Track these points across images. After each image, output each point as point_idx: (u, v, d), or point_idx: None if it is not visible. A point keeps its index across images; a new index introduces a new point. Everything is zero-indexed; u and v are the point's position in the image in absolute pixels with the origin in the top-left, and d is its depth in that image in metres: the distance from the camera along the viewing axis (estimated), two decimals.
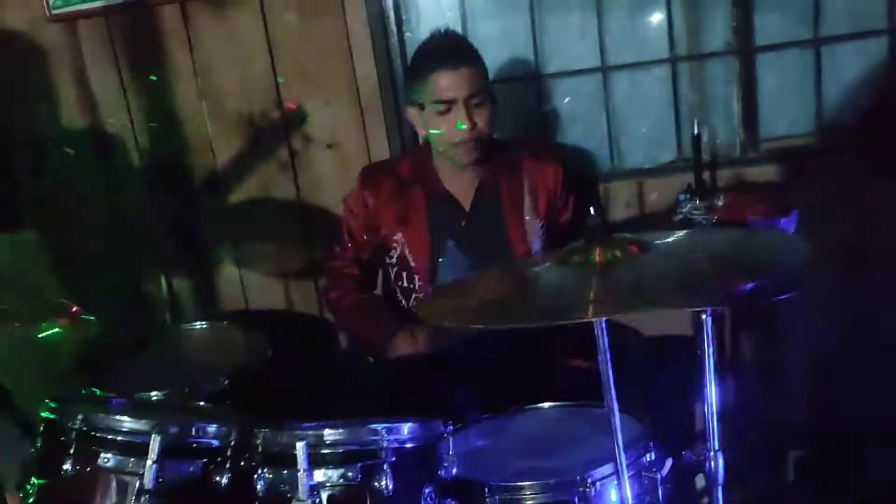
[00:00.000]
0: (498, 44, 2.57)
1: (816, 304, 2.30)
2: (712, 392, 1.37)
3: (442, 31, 2.13)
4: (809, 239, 1.41)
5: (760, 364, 2.53)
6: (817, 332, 2.44)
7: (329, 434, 1.34)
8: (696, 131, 2.15)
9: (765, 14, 2.48)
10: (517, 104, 2.62)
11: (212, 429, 1.43)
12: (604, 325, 1.30)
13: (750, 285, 1.17)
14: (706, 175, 2.47)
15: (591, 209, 1.36)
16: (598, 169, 2.62)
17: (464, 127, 2.00)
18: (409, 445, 1.38)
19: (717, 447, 1.38)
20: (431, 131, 2.06)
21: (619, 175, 2.59)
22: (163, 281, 2.72)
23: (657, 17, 2.51)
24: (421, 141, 2.26)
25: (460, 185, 2.16)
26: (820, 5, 2.43)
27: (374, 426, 1.36)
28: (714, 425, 1.38)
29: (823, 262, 1.38)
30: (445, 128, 2.03)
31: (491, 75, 2.18)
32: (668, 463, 1.51)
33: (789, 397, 2.53)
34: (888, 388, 2.30)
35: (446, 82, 2.00)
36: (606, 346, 1.30)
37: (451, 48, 2.07)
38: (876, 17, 2.43)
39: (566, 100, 2.62)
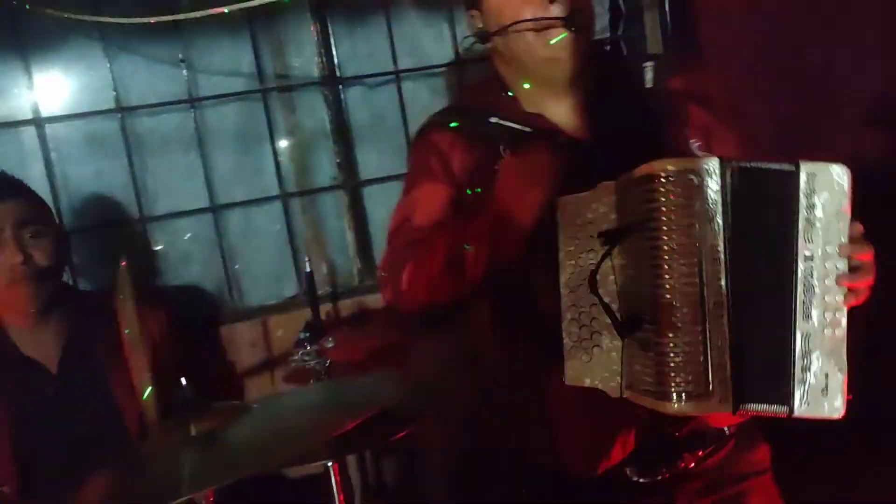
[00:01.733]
0: (94, 187, 2.37)
1: None
2: None
3: None
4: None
5: None
6: None
7: None
8: (308, 269, 2.15)
9: (365, 151, 2.63)
10: (124, 248, 2.41)
11: None
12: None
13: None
14: (329, 307, 2.51)
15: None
16: (220, 309, 2.50)
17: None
18: None
19: None
20: None
21: (241, 315, 2.49)
22: None
23: (264, 155, 2.53)
24: None
25: (40, 345, 1.86)
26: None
27: None
28: None
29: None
30: None
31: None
32: None
33: None
34: None
35: None
36: None
37: None
38: None
39: (187, 236, 2.49)
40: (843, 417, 1.12)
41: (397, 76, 2.61)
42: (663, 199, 1.08)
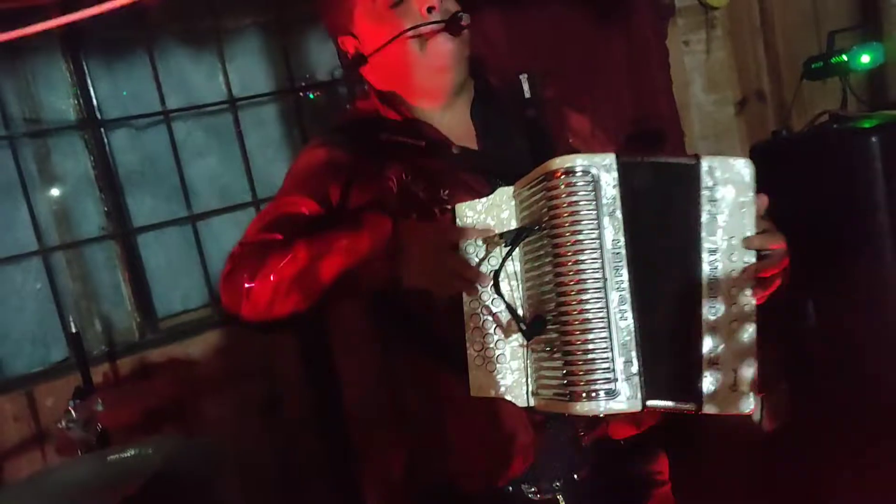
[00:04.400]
0: None
1: None
2: None
3: None
4: None
5: None
6: None
7: None
8: (74, 329, 1.96)
9: (136, 196, 2.46)
10: None
11: None
12: None
13: None
14: (107, 367, 2.30)
15: None
16: None
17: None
18: None
19: None
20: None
21: (2, 387, 2.22)
22: None
23: (19, 207, 2.29)
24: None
25: None
26: (188, 185, 2.51)
27: None
28: None
29: None
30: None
31: None
32: None
33: None
34: None
35: None
36: None
37: None
38: (241, 191, 2.61)
39: None
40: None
41: (166, 116, 2.48)
42: (563, 196, 1.07)
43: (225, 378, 2.39)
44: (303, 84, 2.72)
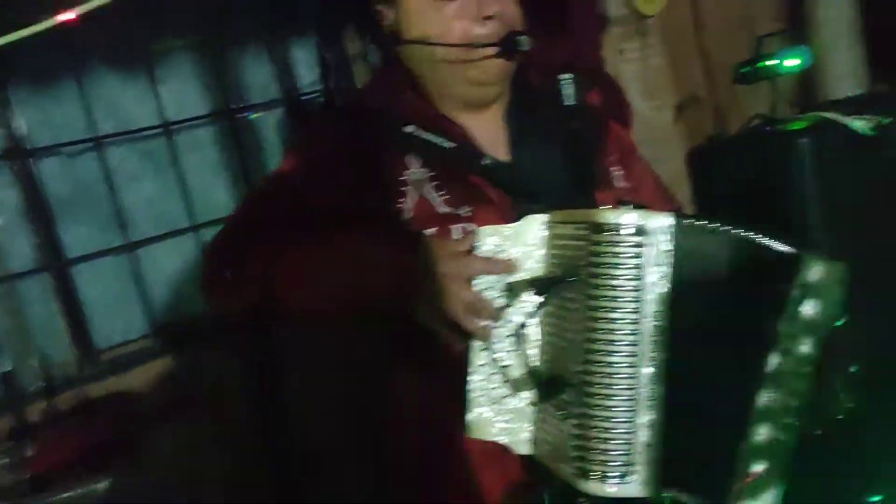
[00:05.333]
0: None
1: None
2: None
3: None
4: None
5: None
6: None
7: None
8: (5, 367, 1.89)
9: (70, 226, 2.39)
10: None
11: None
12: None
13: None
14: (45, 405, 2.22)
15: None
16: None
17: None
18: None
19: None
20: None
21: None
22: None
23: None
24: None
25: None
26: (123, 212, 2.45)
27: None
28: None
29: None
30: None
31: None
32: None
33: None
34: None
35: None
36: None
37: None
38: (180, 216, 2.55)
39: None
40: None
41: (98, 143, 2.41)
42: (608, 255, 0.96)
43: (170, 409, 2.33)
44: (241, 105, 2.68)
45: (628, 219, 0.96)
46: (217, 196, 2.63)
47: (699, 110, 3.29)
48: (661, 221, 0.96)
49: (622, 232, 0.95)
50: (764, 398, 0.95)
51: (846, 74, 3.15)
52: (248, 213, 1.24)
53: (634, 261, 0.95)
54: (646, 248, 0.95)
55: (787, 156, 1.99)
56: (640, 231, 0.95)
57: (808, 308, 0.95)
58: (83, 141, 2.41)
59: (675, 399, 0.95)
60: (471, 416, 1.06)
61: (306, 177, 1.19)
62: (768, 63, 2.24)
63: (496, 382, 1.05)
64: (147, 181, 2.54)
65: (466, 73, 1.19)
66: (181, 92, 2.59)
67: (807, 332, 0.96)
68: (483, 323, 1.02)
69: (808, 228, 1.91)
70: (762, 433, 0.96)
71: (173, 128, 2.54)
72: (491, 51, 1.16)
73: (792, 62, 2.22)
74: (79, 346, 2.37)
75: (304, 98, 2.77)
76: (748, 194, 2.02)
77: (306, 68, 2.77)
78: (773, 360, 0.94)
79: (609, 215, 0.98)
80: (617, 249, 0.95)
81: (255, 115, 2.70)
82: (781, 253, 0.97)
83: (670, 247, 0.96)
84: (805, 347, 0.96)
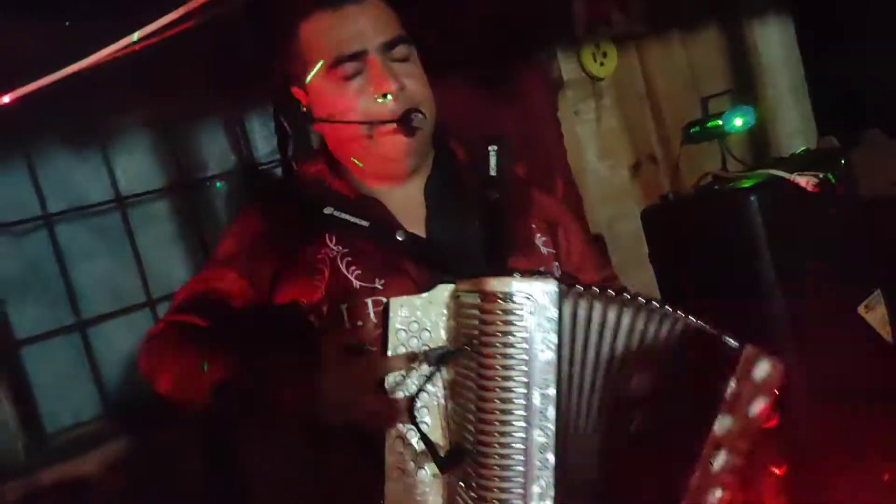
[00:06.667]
0: None
1: None
2: None
3: None
4: None
5: None
6: None
7: None
8: None
9: (18, 306, 2.32)
10: None
11: None
12: None
13: None
14: None
15: None
16: None
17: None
18: None
19: None
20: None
21: None
22: None
23: None
24: None
25: None
26: (75, 290, 2.40)
27: None
28: None
29: None
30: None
31: None
32: None
33: None
34: None
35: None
36: None
37: None
38: (135, 292, 2.50)
39: None
40: None
41: (48, 220, 2.37)
42: (496, 323, 0.98)
43: (125, 496, 2.24)
44: (196, 178, 2.66)
45: (511, 286, 0.98)
46: (173, 270, 2.59)
47: (654, 169, 3.34)
48: (544, 288, 0.97)
49: (506, 299, 0.97)
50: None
51: (794, 131, 3.24)
52: (178, 300, 1.30)
53: (518, 327, 0.97)
54: (529, 315, 0.97)
55: (737, 212, 2.03)
56: (523, 297, 0.97)
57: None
58: (32, 220, 2.36)
59: (562, 462, 0.98)
60: (387, 488, 1.08)
61: (234, 256, 1.27)
62: (715, 123, 2.30)
63: (408, 456, 1.08)
64: (100, 257, 2.49)
65: (375, 149, 1.24)
66: (135, 166, 2.57)
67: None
68: (389, 420, 1.07)
69: (763, 282, 1.94)
70: None
71: (127, 202, 2.50)
72: (391, 127, 1.21)
73: (737, 122, 2.27)
74: (26, 431, 2.28)
75: (261, 168, 2.76)
76: (702, 251, 2.05)
77: (262, 139, 2.78)
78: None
79: (495, 283, 1.00)
80: (501, 317, 0.98)
81: (221, 184, 2.68)
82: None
83: (555, 314, 0.97)
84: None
